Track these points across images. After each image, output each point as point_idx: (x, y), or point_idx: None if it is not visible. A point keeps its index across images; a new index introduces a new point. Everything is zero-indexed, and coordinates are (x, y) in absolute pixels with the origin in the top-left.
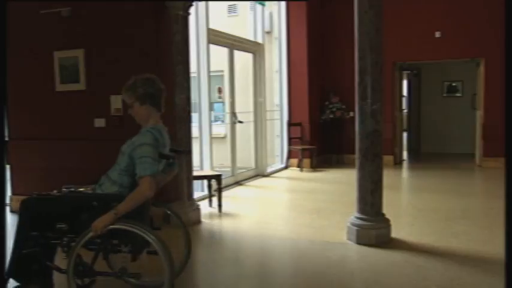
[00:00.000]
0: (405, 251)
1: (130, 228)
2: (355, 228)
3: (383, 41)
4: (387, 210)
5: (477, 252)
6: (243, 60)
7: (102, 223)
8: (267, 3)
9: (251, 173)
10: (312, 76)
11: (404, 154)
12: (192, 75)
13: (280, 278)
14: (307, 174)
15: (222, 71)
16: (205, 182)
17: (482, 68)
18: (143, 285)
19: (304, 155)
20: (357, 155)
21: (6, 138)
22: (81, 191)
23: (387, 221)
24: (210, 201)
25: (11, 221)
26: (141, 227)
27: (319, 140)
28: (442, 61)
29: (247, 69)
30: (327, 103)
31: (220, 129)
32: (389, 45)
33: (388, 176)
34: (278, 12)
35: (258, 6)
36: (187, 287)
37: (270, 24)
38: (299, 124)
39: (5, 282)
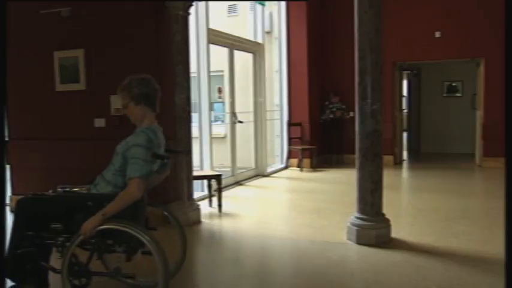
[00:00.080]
0: (405, 251)
1: (124, 229)
2: (355, 228)
3: (383, 41)
4: (387, 210)
5: (477, 252)
6: (243, 60)
7: (90, 225)
8: (267, 3)
9: (251, 173)
10: (312, 76)
11: (404, 154)
12: (192, 75)
13: (280, 278)
14: (307, 174)
15: (222, 71)
16: (205, 182)
17: (482, 68)
18: (139, 285)
19: (304, 155)
20: (357, 155)
21: (6, 138)
22: (76, 191)
23: (387, 221)
24: (210, 201)
25: (11, 221)
26: (135, 227)
27: (319, 140)
28: (442, 61)
29: (247, 69)
30: (327, 103)
31: (220, 129)
32: (389, 45)
33: (388, 176)
34: (278, 12)
35: (258, 6)
36: (187, 287)
37: (270, 24)
38: (299, 124)
39: (5, 282)
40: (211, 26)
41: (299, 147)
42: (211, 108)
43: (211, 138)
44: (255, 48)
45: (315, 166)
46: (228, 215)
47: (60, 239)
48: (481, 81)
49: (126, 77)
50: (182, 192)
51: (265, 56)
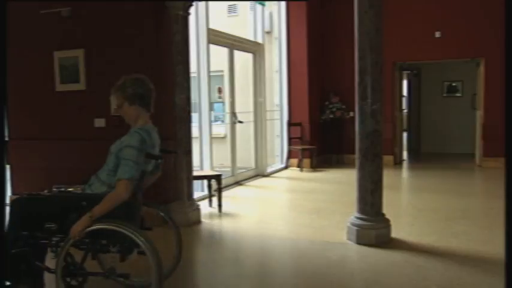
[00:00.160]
0: (405, 251)
1: (117, 229)
2: (355, 228)
3: (383, 41)
4: (387, 210)
5: (477, 252)
6: (243, 60)
7: (79, 227)
8: (267, 3)
9: (251, 173)
10: (312, 76)
11: (404, 154)
12: (192, 75)
13: (280, 278)
14: (307, 174)
15: (222, 71)
16: (205, 182)
17: (482, 68)
18: (133, 285)
19: (304, 155)
20: (357, 155)
21: (6, 138)
22: (70, 191)
23: (387, 221)
24: (210, 201)
25: None
26: (128, 227)
27: (319, 140)
28: (442, 61)
29: (247, 69)
30: (327, 103)
31: (220, 129)
32: (389, 45)
33: (388, 176)
34: (278, 12)
35: (258, 6)
36: (187, 287)
37: (270, 24)
38: (299, 124)
39: (5, 282)
40: (211, 26)
41: (299, 147)
42: (211, 108)
43: (211, 138)
44: (255, 48)
45: (315, 166)
46: (228, 215)
47: (55, 239)
48: (481, 81)
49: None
50: (182, 192)
51: (265, 56)
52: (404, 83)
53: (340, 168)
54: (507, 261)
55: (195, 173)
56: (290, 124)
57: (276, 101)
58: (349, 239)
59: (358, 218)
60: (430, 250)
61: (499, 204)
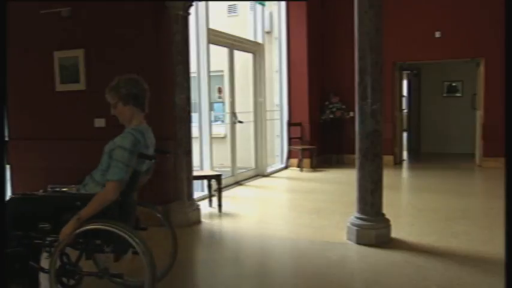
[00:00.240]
0: (405, 251)
1: (110, 229)
2: (355, 228)
3: (383, 41)
4: (387, 210)
5: (477, 252)
6: (243, 60)
7: (67, 230)
8: (267, 3)
9: (251, 173)
10: (312, 76)
11: (404, 154)
12: (192, 75)
13: (280, 278)
14: (307, 174)
15: (222, 71)
16: (205, 182)
17: (482, 68)
18: (129, 285)
19: (304, 155)
20: (357, 155)
21: (6, 138)
22: (65, 191)
23: (387, 221)
24: (210, 201)
25: None
26: (122, 227)
27: (319, 140)
28: (442, 61)
29: (247, 69)
30: (327, 103)
31: (220, 129)
32: (389, 45)
33: (388, 176)
34: (278, 12)
35: (258, 6)
36: (188, 287)
37: (270, 24)
38: (299, 124)
39: (5, 282)
40: (211, 26)
41: (299, 147)
42: (211, 108)
43: (211, 138)
44: (255, 48)
45: (315, 166)
46: (228, 215)
47: (49, 238)
48: (481, 81)
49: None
50: (182, 192)
51: (265, 56)
52: (404, 83)
53: (340, 168)
54: (507, 261)
55: (195, 173)
56: (290, 124)
57: (276, 101)
58: (349, 239)
59: (358, 218)
60: (430, 250)
61: (499, 204)
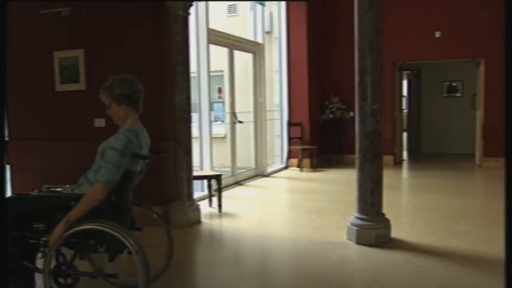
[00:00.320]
0: (405, 251)
1: (103, 229)
2: (355, 228)
3: (383, 41)
4: (387, 210)
5: (477, 252)
6: (243, 60)
7: (57, 233)
8: (267, 3)
9: (251, 173)
10: (312, 76)
11: (404, 154)
12: (192, 75)
13: (280, 278)
14: (307, 174)
15: (222, 71)
16: (205, 182)
17: (482, 68)
18: (126, 285)
19: (304, 155)
20: (357, 155)
21: (6, 138)
22: (59, 191)
23: (387, 221)
24: (210, 201)
25: None
26: (115, 227)
27: (319, 140)
28: (442, 61)
29: (247, 69)
30: (327, 103)
31: (220, 129)
32: (389, 45)
33: (388, 176)
34: (278, 12)
35: (258, 6)
36: (188, 287)
37: (270, 24)
38: (299, 124)
39: (6, 282)
40: (211, 26)
41: (299, 147)
42: (211, 108)
43: (211, 138)
44: (255, 48)
45: (315, 166)
46: (228, 215)
47: (43, 238)
48: (481, 81)
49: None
50: (182, 192)
51: (265, 56)
52: (404, 83)
53: (340, 168)
54: (507, 261)
55: (195, 173)
56: (290, 124)
57: (276, 101)
58: (349, 239)
59: (358, 218)
60: (430, 250)
61: (499, 204)
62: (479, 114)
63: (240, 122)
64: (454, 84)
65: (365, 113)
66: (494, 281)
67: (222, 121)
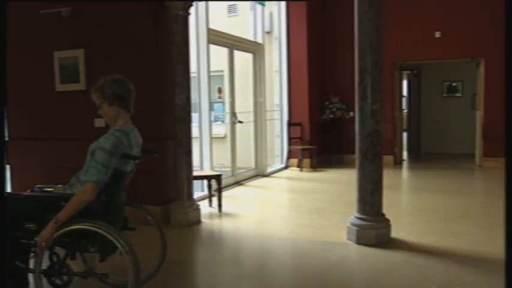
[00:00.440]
0: (405, 251)
1: (93, 229)
2: (355, 228)
3: (383, 41)
4: (387, 210)
5: (477, 252)
6: (243, 60)
7: (46, 234)
8: (267, 3)
9: (251, 173)
10: (312, 76)
11: (404, 154)
12: (192, 75)
13: (280, 278)
14: (307, 174)
15: (222, 71)
16: (205, 182)
17: (482, 68)
18: (118, 285)
19: (304, 155)
20: (357, 155)
21: (6, 138)
22: (50, 191)
23: (387, 221)
24: (210, 201)
25: None
26: (105, 227)
27: (319, 140)
28: (442, 61)
29: (247, 69)
30: (327, 103)
31: (220, 129)
32: (389, 45)
33: (388, 176)
34: (278, 12)
35: (258, 6)
36: (187, 287)
37: (270, 24)
38: (299, 124)
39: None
40: (211, 26)
41: (299, 147)
42: (211, 108)
43: (211, 138)
44: (255, 48)
45: (315, 166)
46: (228, 215)
47: (35, 238)
48: (481, 81)
49: (127, 77)
50: (182, 192)
51: (265, 56)
52: (404, 83)
53: (340, 168)
54: (507, 261)
55: (195, 173)
56: (290, 124)
57: (276, 101)
58: (349, 239)
59: (358, 218)
60: (430, 250)
61: (499, 204)
62: (479, 114)
63: (240, 122)
64: (454, 84)
65: (365, 113)
66: (494, 281)
67: (222, 121)
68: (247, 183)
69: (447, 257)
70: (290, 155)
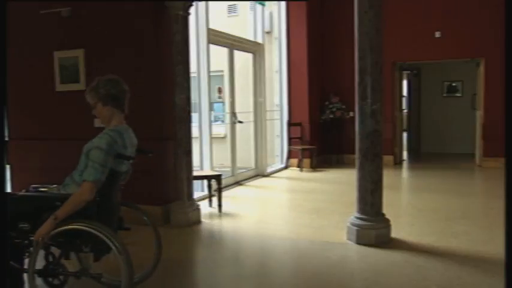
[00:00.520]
0: (405, 251)
1: (86, 229)
2: (355, 228)
3: (383, 41)
4: (387, 210)
5: (477, 252)
6: (243, 60)
7: (43, 230)
8: (267, 3)
9: (251, 173)
10: (312, 76)
11: (404, 154)
12: (192, 75)
13: (280, 278)
14: (307, 174)
15: (222, 71)
16: (205, 182)
17: (482, 68)
18: (113, 284)
19: (304, 155)
20: (357, 155)
21: (6, 138)
22: (45, 191)
23: (387, 221)
24: (210, 201)
25: None
26: (98, 227)
27: (319, 140)
28: (442, 61)
29: (247, 69)
30: (327, 103)
31: (220, 129)
32: (389, 45)
33: (388, 176)
34: (278, 12)
35: (258, 6)
36: (188, 287)
37: (270, 24)
38: (299, 124)
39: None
40: (211, 26)
41: (299, 147)
42: (211, 108)
43: (211, 138)
44: (255, 48)
45: (315, 166)
46: (228, 215)
47: (31, 238)
48: (481, 81)
49: (127, 77)
50: (182, 192)
51: (265, 56)
52: (404, 83)
53: (340, 168)
54: (507, 261)
55: (195, 173)
56: (290, 124)
57: (276, 101)
58: (349, 239)
59: (358, 218)
60: (430, 250)
61: (499, 204)
62: (479, 114)
63: (240, 122)
64: (454, 84)
65: (365, 113)
66: (494, 281)
67: (222, 121)
68: (247, 183)
69: (447, 257)
70: (290, 155)
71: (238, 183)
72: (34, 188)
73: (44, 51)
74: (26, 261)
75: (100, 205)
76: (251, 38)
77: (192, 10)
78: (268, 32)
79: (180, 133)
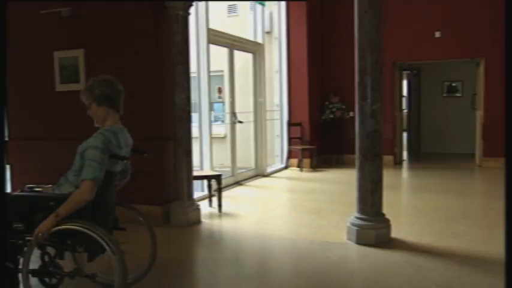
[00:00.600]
0: (405, 251)
1: (80, 229)
2: (355, 228)
3: (383, 41)
4: (387, 210)
5: (477, 252)
6: (243, 60)
7: (44, 227)
8: (267, 3)
9: (251, 173)
10: (312, 76)
11: (404, 154)
12: (192, 75)
13: (280, 278)
14: (307, 174)
15: (222, 71)
16: (205, 182)
17: (482, 68)
18: (107, 284)
19: (304, 155)
20: (357, 155)
21: (6, 138)
22: (40, 191)
23: (387, 221)
24: (210, 201)
25: None
26: (92, 227)
27: (319, 140)
28: (442, 61)
29: (247, 69)
30: (327, 103)
31: (220, 129)
32: (389, 45)
33: (388, 176)
34: (278, 12)
35: (258, 6)
36: (188, 287)
37: (270, 24)
38: (299, 124)
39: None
40: (211, 26)
41: (299, 147)
42: (211, 108)
43: (211, 138)
44: (255, 48)
45: (315, 166)
46: (228, 215)
47: (27, 238)
48: (481, 81)
49: (126, 77)
50: (182, 192)
51: (265, 56)
52: (404, 83)
53: (340, 168)
54: (507, 261)
55: (195, 173)
56: (290, 124)
57: (276, 101)
58: (349, 239)
59: (358, 218)
60: (430, 250)
61: (499, 204)
62: (479, 114)
63: (240, 122)
64: (454, 84)
65: (365, 113)
66: (494, 281)
67: (222, 121)
68: (247, 183)
69: (447, 257)
70: (290, 155)
71: (238, 183)
72: (29, 188)
73: (44, 51)
74: (21, 261)
75: (95, 205)
76: (251, 38)
77: (192, 10)
78: (268, 32)
79: (180, 133)
